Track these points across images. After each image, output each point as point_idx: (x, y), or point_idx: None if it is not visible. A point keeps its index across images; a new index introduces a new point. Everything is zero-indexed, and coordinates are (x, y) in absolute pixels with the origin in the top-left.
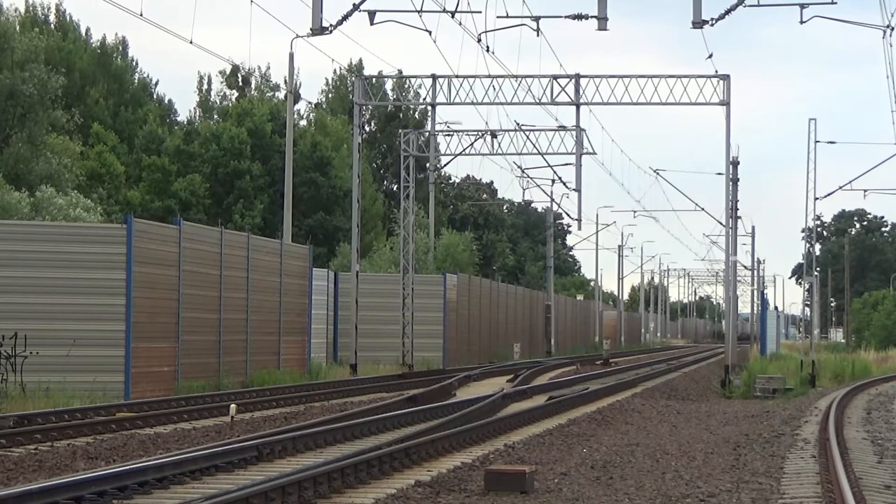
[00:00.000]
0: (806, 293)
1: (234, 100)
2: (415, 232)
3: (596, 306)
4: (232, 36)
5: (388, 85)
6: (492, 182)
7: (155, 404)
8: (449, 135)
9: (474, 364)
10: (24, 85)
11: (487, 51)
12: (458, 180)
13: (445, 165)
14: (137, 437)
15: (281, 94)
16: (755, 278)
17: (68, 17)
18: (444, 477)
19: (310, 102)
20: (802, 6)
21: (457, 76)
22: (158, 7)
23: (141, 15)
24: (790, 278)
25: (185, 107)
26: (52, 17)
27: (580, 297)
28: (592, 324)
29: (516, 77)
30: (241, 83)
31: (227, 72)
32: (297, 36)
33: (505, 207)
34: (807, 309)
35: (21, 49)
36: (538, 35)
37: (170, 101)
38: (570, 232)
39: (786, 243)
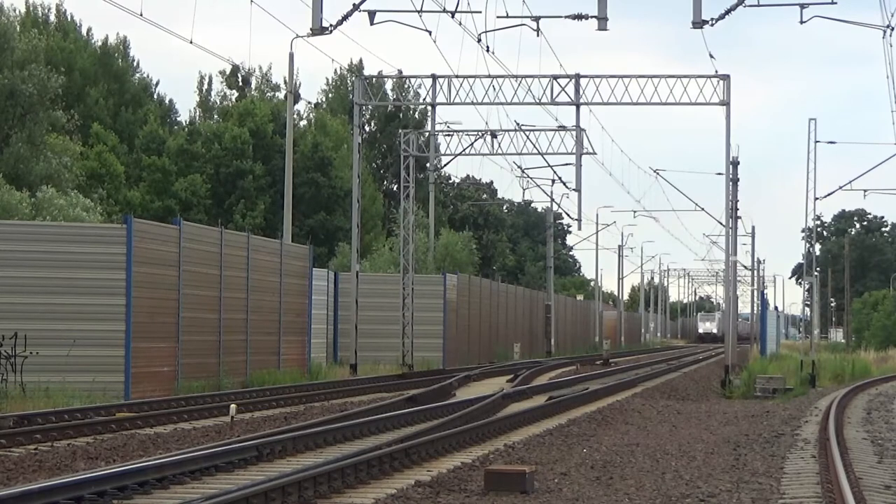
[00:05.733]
0: (806, 293)
1: (234, 100)
2: (414, 232)
3: (596, 306)
4: (232, 36)
5: (388, 85)
6: (492, 182)
7: (155, 404)
8: (449, 135)
9: (474, 364)
10: (24, 85)
11: (487, 51)
12: (458, 180)
13: (445, 165)
14: (137, 437)
15: (281, 94)
16: (755, 278)
17: (69, 17)
18: (444, 477)
19: (310, 102)
20: (802, 6)
21: (457, 76)
22: (158, 7)
23: (141, 15)
24: (790, 278)
25: (186, 107)
26: (52, 17)
27: (580, 297)
28: (592, 324)
29: (516, 77)
30: (241, 83)
31: (228, 72)
32: (297, 36)
33: (505, 207)
34: (807, 309)
35: (21, 49)
36: (538, 35)
37: (170, 101)
38: (570, 232)
39: (786, 243)
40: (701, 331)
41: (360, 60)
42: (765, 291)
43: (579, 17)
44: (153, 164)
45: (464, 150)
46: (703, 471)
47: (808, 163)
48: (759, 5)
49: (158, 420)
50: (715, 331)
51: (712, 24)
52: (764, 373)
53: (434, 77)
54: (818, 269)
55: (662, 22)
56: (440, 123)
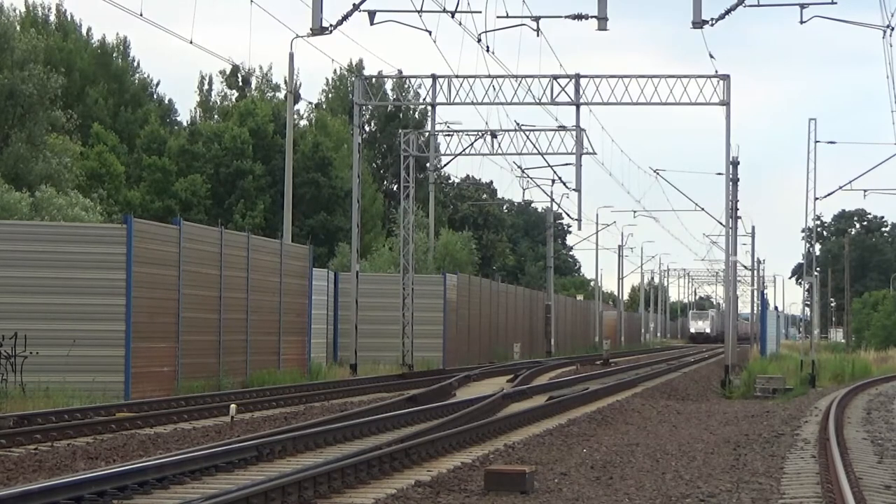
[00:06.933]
0: (806, 293)
1: (234, 100)
2: (414, 232)
3: (596, 306)
4: (232, 36)
5: (388, 85)
6: (492, 182)
7: (155, 404)
8: (449, 135)
9: (474, 364)
10: (23, 85)
11: (487, 51)
12: (458, 180)
13: (445, 165)
14: (137, 437)
15: (281, 94)
16: (755, 278)
17: (69, 17)
18: (444, 477)
19: (310, 102)
20: (802, 6)
21: (457, 76)
22: (158, 7)
23: (141, 15)
24: (790, 278)
25: (186, 107)
26: (52, 17)
27: (580, 297)
28: (592, 324)
29: (516, 77)
30: (241, 83)
31: (228, 72)
32: (297, 36)
33: (505, 207)
34: (807, 309)
35: (21, 49)
36: (538, 35)
37: (170, 101)
38: (570, 232)
39: (786, 243)
40: (693, 330)
41: (360, 60)
42: (765, 291)
43: (579, 17)
44: (153, 164)
45: (464, 150)
46: (703, 471)
47: (808, 163)
48: (759, 5)
49: (158, 420)
50: (708, 330)
51: (712, 24)
52: (764, 373)
53: (434, 77)
54: (818, 269)
55: (662, 22)
56: (440, 123)
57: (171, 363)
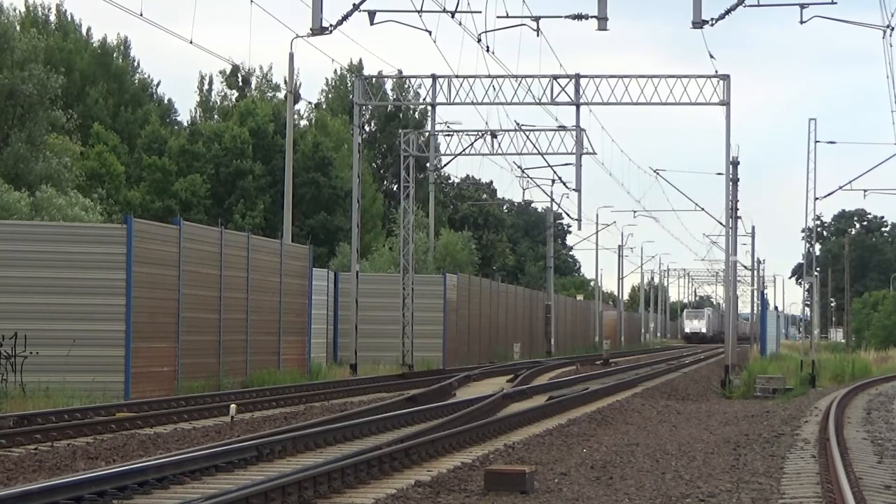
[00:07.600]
0: (806, 293)
1: (234, 100)
2: (414, 232)
3: (596, 306)
4: (232, 36)
5: (388, 85)
6: (492, 182)
7: (155, 404)
8: (449, 135)
9: (474, 364)
10: (23, 85)
11: (487, 51)
12: (458, 180)
13: (445, 165)
14: (137, 437)
15: (281, 94)
16: (755, 278)
17: (69, 17)
18: (444, 477)
19: (310, 102)
20: (802, 6)
21: (457, 76)
22: (158, 7)
23: (141, 15)
24: (790, 278)
25: (186, 107)
26: (52, 17)
27: (580, 297)
28: (592, 324)
29: (516, 77)
30: (241, 83)
31: (228, 72)
32: (297, 36)
33: (505, 207)
34: (807, 309)
35: (21, 49)
36: (538, 35)
37: (170, 100)
38: (570, 232)
39: (786, 243)
40: (688, 330)
41: (360, 60)
42: (765, 291)
43: (579, 17)
44: (153, 164)
45: (464, 150)
46: (703, 471)
47: (808, 163)
48: (759, 5)
49: (158, 420)
50: (704, 330)
51: (712, 24)
52: (764, 373)
53: (434, 77)
54: (818, 269)
55: (662, 22)
56: (440, 123)
57: (171, 363)
